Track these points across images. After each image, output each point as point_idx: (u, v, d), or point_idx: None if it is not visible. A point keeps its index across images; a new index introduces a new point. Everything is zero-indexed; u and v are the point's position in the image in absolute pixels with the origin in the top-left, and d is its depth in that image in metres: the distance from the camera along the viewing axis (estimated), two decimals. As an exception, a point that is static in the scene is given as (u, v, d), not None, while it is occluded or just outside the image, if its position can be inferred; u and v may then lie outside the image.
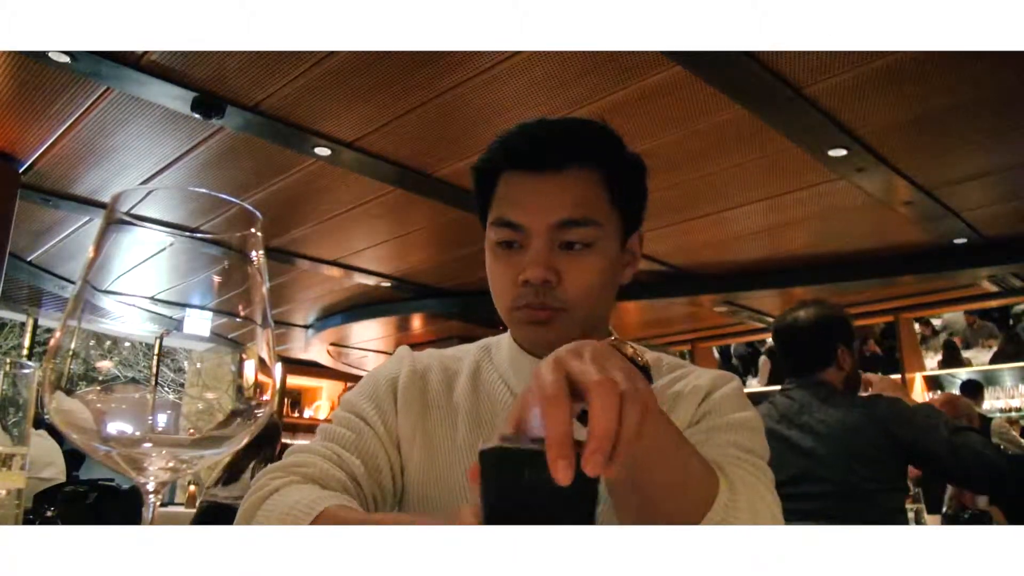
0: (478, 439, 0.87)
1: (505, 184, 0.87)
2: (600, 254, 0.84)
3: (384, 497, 0.85)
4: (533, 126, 0.88)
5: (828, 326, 2.04)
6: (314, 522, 0.64)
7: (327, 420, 0.95)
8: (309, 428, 8.75)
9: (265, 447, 4.01)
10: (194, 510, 4.26)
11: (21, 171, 3.67)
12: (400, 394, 0.90)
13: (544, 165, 0.84)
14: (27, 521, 2.09)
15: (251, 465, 3.84)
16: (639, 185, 0.90)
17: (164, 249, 0.51)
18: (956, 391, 5.29)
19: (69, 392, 0.45)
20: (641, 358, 0.95)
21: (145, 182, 3.73)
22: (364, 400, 0.90)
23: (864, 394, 2.11)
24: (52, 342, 0.45)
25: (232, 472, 3.89)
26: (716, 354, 7.32)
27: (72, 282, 5.17)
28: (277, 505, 0.69)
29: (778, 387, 2.13)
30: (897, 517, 1.87)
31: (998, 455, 1.82)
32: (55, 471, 3.34)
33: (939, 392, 5.81)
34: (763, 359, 7.06)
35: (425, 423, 0.89)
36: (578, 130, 0.88)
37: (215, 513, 3.65)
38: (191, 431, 0.48)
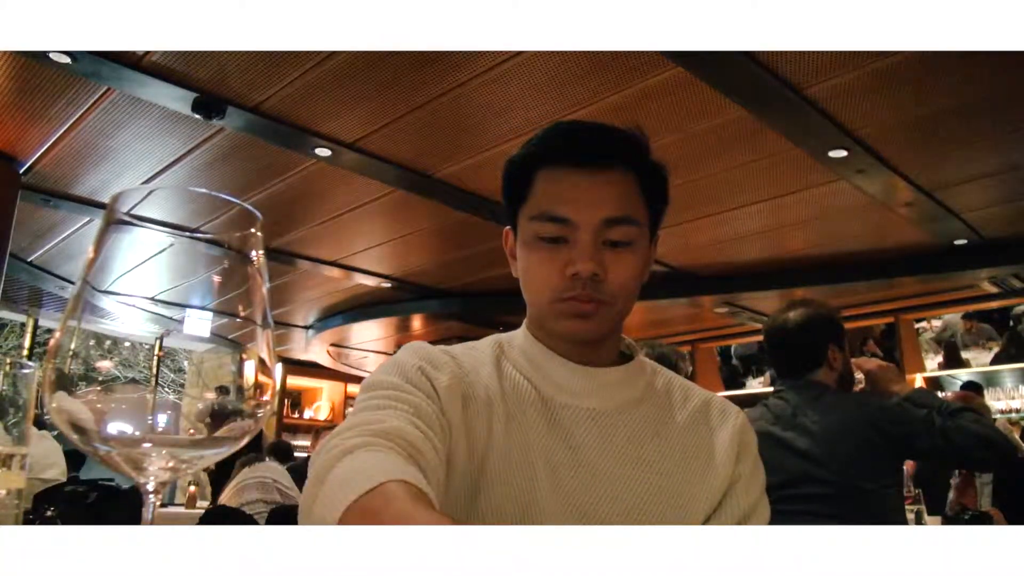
0: (511, 432, 0.86)
1: (547, 179, 0.88)
2: (638, 252, 0.88)
3: (440, 465, 0.77)
4: (574, 125, 0.91)
5: (817, 326, 2.03)
6: (367, 494, 0.56)
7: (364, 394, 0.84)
8: (308, 428, 8.76)
9: (251, 448, 4.01)
10: (195, 511, 4.26)
11: (22, 171, 3.67)
12: (444, 382, 0.85)
13: (589, 162, 0.86)
14: (27, 521, 2.09)
15: (237, 463, 3.84)
16: (665, 190, 0.94)
17: (164, 249, 0.51)
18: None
19: (69, 392, 0.45)
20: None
21: (145, 182, 3.74)
22: (414, 373, 0.85)
23: (858, 386, 2.10)
24: (52, 342, 0.45)
25: (220, 474, 3.88)
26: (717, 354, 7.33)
27: (72, 282, 5.17)
28: (344, 469, 0.62)
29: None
30: (897, 517, 1.86)
31: (991, 429, 1.79)
32: (57, 472, 3.34)
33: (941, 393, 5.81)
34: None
35: (466, 415, 0.85)
36: (617, 132, 0.90)
37: (220, 514, 3.65)
38: (191, 431, 0.48)
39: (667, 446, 0.90)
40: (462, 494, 0.83)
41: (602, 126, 0.90)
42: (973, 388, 5.07)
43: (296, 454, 6.02)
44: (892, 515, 1.84)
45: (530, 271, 0.89)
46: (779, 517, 1.85)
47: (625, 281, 0.87)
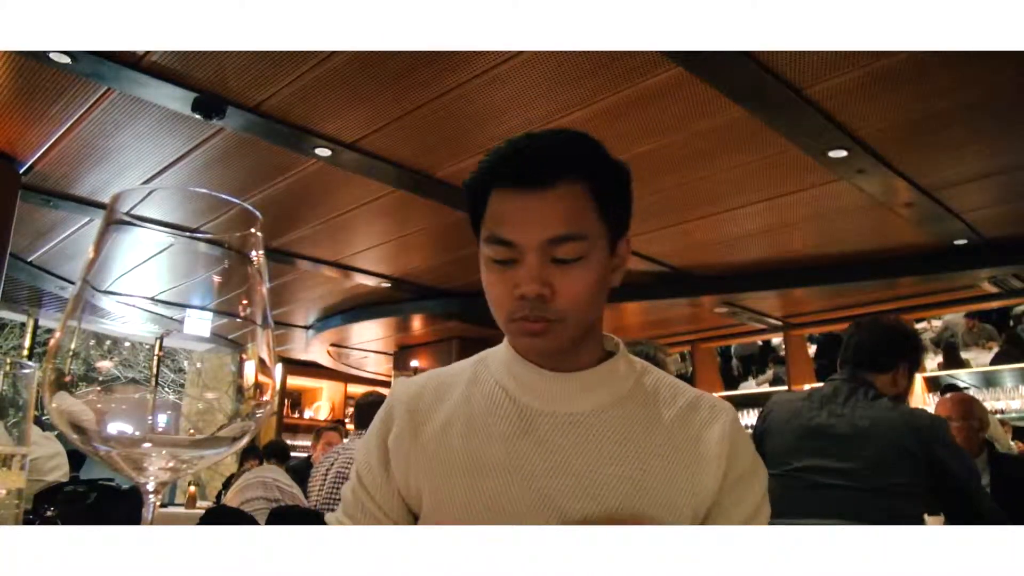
0: (473, 440, 0.90)
1: (495, 201, 0.89)
2: (590, 265, 0.87)
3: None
4: (519, 143, 0.90)
5: (902, 337, 2.10)
6: None
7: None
8: (308, 429, 8.76)
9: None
10: (195, 510, 4.27)
11: (22, 172, 3.67)
12: (392, 443, 0.95)
13: (532, 182, 0.86)
14: (27, 521, 2.09)
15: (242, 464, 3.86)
16: (624, 192, 0.93)
17: (164, 249, 0.51)
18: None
19: (69, 392, 0.45)
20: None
21: (145, 182, 3.74)
22: (362, 467, 0.97)
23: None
24: (52, 342, 0.45)
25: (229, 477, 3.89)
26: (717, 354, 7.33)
27: (72, 282, 5.16)
28: None
29: (778, 388, 2.16)
30: (906, 522, 1.87)
31: (1000, 515, 1.93)
32: (60, 474, 3.34)
33: (939, 393, 5.81)
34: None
35: (417, 443, 0.93)
36: (563, 144, 0.89)
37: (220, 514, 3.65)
38: (191, 431, 0.48)
39: (652, 442, 0.90)
40: (446, 512, 0.88)
41: (548, 140, 0.89)
42: (955, 391, 5.03)
43: (294, 454, 6.00)
44: (903, 520, 1.85)
45: (486, 291, 0.91)
46: (807, 502, 1.87)
47: (576, 296, 0.86)
